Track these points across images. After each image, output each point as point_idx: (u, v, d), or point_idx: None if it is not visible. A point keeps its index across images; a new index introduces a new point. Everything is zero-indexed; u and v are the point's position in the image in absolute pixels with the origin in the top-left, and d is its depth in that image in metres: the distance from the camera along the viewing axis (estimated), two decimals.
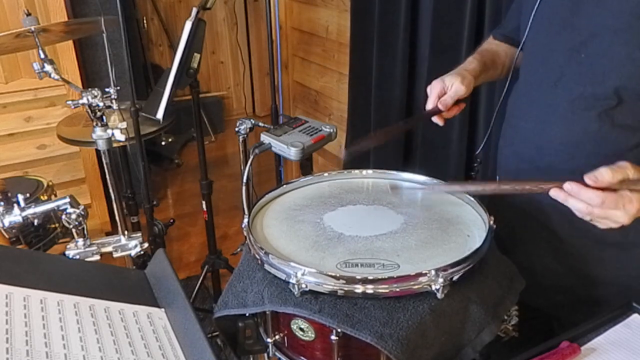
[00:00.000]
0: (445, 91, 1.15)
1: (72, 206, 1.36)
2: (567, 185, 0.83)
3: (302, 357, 0.98)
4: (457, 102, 1.17)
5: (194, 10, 1.69)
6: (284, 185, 1.23)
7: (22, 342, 0.67)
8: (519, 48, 1.19)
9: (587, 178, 0.81)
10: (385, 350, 0.83)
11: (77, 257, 1.37)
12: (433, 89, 1.16)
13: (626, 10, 0.93)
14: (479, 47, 1.33)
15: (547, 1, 1.07)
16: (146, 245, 1.49)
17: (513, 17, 1.25)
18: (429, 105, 1.16)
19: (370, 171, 1.28)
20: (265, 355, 1.06)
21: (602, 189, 0.81)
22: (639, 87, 0.95)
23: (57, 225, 1.65)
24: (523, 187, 0.91)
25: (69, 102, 1.44)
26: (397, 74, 2.29)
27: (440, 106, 1.15)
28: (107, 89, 1.49)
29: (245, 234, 1.05)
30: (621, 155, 0.99)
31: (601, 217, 0.83)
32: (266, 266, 0.96)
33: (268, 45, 2.27)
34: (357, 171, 1.28)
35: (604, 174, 0.80)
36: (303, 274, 0.90)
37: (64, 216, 1.35)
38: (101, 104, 1.44)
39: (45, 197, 1.75)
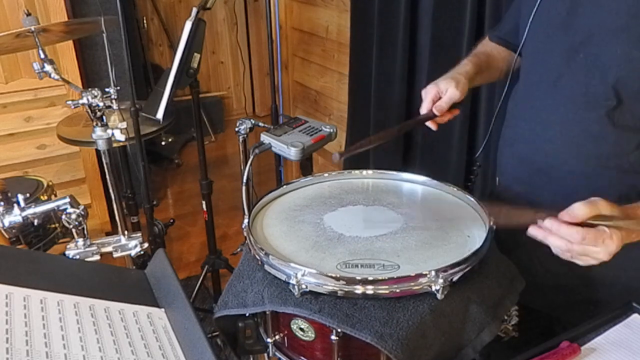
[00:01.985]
0: (440, 96, 1.16)
1: (72, 206, 1.35)
2: (547, 223, 0.82)
3: (302, 357, 0.98)
4: (451, 107, 1.17)
5: (194, 10, 1.69)
6: (284, 186, 1.23)
7: (22, 342, 0.67)
8: (517, 52, 1.19)
9: (563, 215, 0.81)
10: (385, 350, 0.83)
11: (77, 257, 1.37)
12: (428, 94, 1.16)
13: (624, 10, 0.93)
14: (473, 49, 1.33)
15: (545, 2, 1.07)
16: (146, 245, 1.49)
17: (510, 20, 1.25)
18: (424, 110, 1.17)
19: (370, 171, 1.28)
20: (265, 355, 1.06)
21: (581, 225, 0.81)
22: (638, 87, 0.95)
23: (57, 225, 1.65)
24: (498, 221, 0.91)
25: (69, 102, 1.44)
26: (397, 74, 2.29)
27: (435, 111, 1.15)
28: (107, 89, 1.48)
29: (245, 234, 1.05)
30: (622, 157, 1.00)
31: (580, 253, 0.83)
32: (266, 267, 0.96)
33: (268, 45, 2.27)
34: (357, 171, 1.28)
35: (579, 210, 0.80)
36: (303, 275, 0.90)
37: (64, 216, 1.35)
38: (101, 104, 1.44)
39: (45, 197, 1.75)
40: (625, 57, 0.94)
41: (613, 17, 0.95)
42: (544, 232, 0.84)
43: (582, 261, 0.85)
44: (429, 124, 1.19)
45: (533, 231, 0.85)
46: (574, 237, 0.81)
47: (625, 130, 0.99)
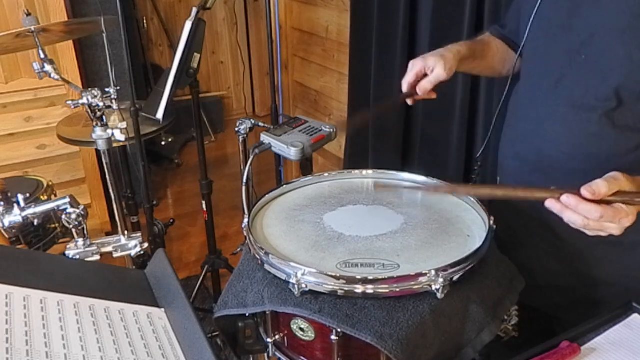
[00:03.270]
0: (425, 72, 1.12)
1: (72, 206, 1.35)
2: (565, 198, 0.81)
3: (302, 357, 0.98)
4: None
5: (194, 10, 1.69)
6: (284, 186, 1.23)
7: (22, 342, 0.67)
8: (518, 53, 1.19)
9: (585, 191, 0.80)
10: (385, 350, 0.83)
11: (77, 257, 1.37)
12: (414, 67, 1.13)
13: (625, 10, 0.93)
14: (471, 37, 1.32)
15: (546, 2, 1.07)
16: (146, 245, 1.49)
17: (512, 19, 1.25)
18: (405, 82, 1.13)
19: (370, 171, 1.28)
20: (265, 355, 1.06)
21: (599, 202, 0.80)
22: (639, 88, 0.95)
23: (57, 225, 1.65)
24: (517, 194, 0.89)
25: (69, 102, 1.44)
26: (396, 74, 2.29)
27: (418, 90, 1.12)
28: (107, 89, 1.48)
29: (245, 234, 1.05)
30: (622, 157, 1.00)
31: (596, 229, 0.83)
32: (266, 266, 0.96)
33: (268, 45, 2.27)
34: (357, 171, 1.28)
35: (601, 187, 0.79)
36: (303, 274, 0.90)
37: (64, 216, 1.35)
38: (101, 104, 1.44)
39: (45, 197, 1.75)
40: (627, 59, 0.94)
41: (614, 17, 0.94)
42: (562, 207, 0.82)
43: (592, 233, 0.84)
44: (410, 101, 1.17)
45: (550, 204, 0.83)
46: (592, 214, 0.80)
47: (625, 131, 0.99)
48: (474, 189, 1.08)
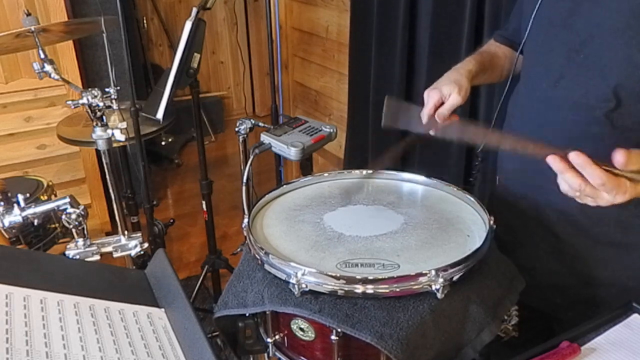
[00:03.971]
0: (442, 101, 1.13)
1: (72, 206, 1.35)
2: (573, 156, 0.79)
3: (302, 357, 0.98)
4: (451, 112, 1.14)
5: (194, 10, 1.69)
6: (284, 185, 1.23)
7: (22, 342, 0.67)
8: (518, 52, 1.19)
9: (618, 154, 0.76)
10: (385, 350, 0.83)
11: (77, 257, 1.37)
12: (430, 99, 1.12)
13: (625, 10, 0.93)
14: (479, 48, 1.33)
15: (547, 1, 1.07)
16: (146, 245, 1.49)
17: (515, 19, 1.25)
18: (425, 115, 1.12)
19: (370, 171, 1.28)
20: (265, 355, 1.06)
21: (605, 169, 0.78)
22: (638, 88, 0.95)
23: (57, 225, 1.65)
24: (520, 146, 0.87)
25: (69, 102, 1.43)
26: (396, 74, 2.29)
27: (437, 119, 1.12)
28: (107, 89, 1.48)
29: (245, 234, 1.05)
30: None
31: (589, 195, 0.81)
32: (266, 266, 0.96)
33: (268, 45, 2.27)
34: (357, 171, 1.28)
35: (620, 157, 0.76)
36: (303, 274, 0.90)
37: (64, 216, 1.35)
38: (101, 104, 1.44)
39: (45, 197, 1.75)
40: (626, 59, 0.94)
41: (614, 17, 0.94)
42: (565, 166, 0.80)
43: (581, 200, 0.83)
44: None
45: (553, 159, 0.81)
46: (594, 179, 0.78)
47: (624, 131, 0.99)
48: (481, 135, 1.05)
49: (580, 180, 0.79)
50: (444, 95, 1.12)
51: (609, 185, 0.78)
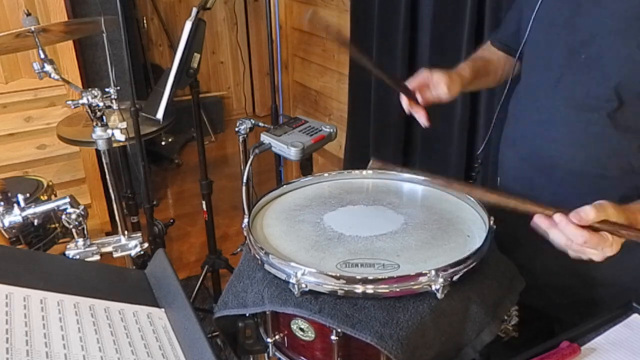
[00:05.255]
0: (428, 84, 1.13)
1: (72, 206, 1.35)
2: (557, 217, 0.83)
3: (302, 357, 0.98)
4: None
5: (194, 10, 1.69)
6: (284, 185, 1.23)
7: (22, 342, 0.67)
8: (516, 57, 1.19)
9: (573, 216, 0.82)
10: (385, 350, 0.83)
11: (77, 257, 1.37)
12: (419, 77, 1.14)
13: (627, 10, 0.93)
14: (473, 53, 1.33)
15: (547, 1, 1.07)
16: (146, 245, 1.49)
17: (511, 22, 1.25)
18: (410, 83, 1.14)
19: (370, 171, 1.28)
20: (265, 355, 1.06)
21: (587, 227, 0.81)
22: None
23: (57, 225, 1.65)
24: (508, 203, 0.90)
25: (69, 102, 1.44)
26: (396, 74, 2.29)
27: (419, 99, 1.13)
28: (107, 89, 1.48)
29: (245, 234, 1.05)
30: (623, 158, 0.99)
31: (578, 251, 0.84)
32: (266, 266, 0.96)
33: (268, 45, 2.27)
34: (357, 171, 1.28)
35: (589, 213, 0.80)
36: (303, 274, 0.90)
37: (64, 216, 1.35)
38: (101, 104, 1.44)
39: (45, 197, 1.75)
40: (627, 59, 0.94)
41: (616, 17, 0.94)
42: (549, 225, 0.84)
43: (574, 256, 0.86)
44: (403, 99, 1.16)
45: (539, 220, 0.85)
46: (577, 238, 0.81)
47: (626, 132, 0.98)
48: (467, 187, 1.08)
49: (564, 238, 0.83)
50: (433, 82, 1.13)
51: (591, 243, 0.81)
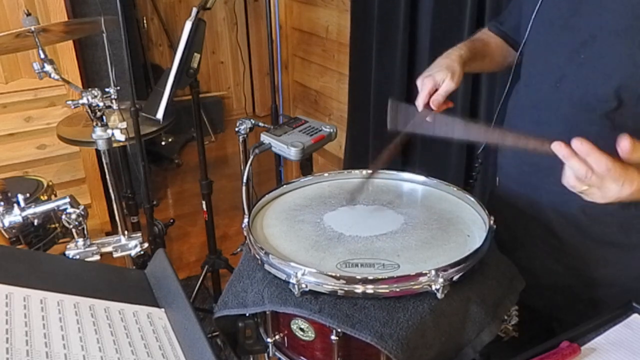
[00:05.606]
0: (436, 88, 1.13)
1: (72, 206, 1.35)
2: (576, 143, 0.77)
3: (302, 357, 0.98)
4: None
5: (194, 10, 1.69)
6: (284, 185, 1.23)
7: (22, 342, 0.67)
8: (519, 51, 1.19)
9: (623, 140, 0.75)
10: (385, 350, 0.83)
11: (77, 257, 1.37)
12: (425, 86, 1.13)
13: (627, 11, 0.93)
14: (472, 36, 1.32)
15: (548, 1, 1.07)
16: (146, 245, 1.49)
17: (512, 16, 1.25)
18: (420, 102, 1.13)
19: (370, 171, 1.28)
20: (265, 355, 1.06)
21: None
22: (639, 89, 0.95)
23: (57, 225, 1.65)
24: (521, 142, 0.86)
25: (69, 102, 1.44)
26: (397, 74, 2.29)
27: (432, 105, 1.13)
28: (107, 89, 1.48)
29: (245, 234, 1.05)
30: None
31: (596, 185, 0.78)
32: (266, 266, 0.96)
33: (268, 45, 2.27)
34: (357, 171, 1.28)
35: (626, 143, 0.74)
36: (303, 274, 0.90)
37: (64, 216, 1.35)
38: (101, 104, 1.44)
39: (45, 197, 1.75)
40: (628, 60, 0.94)
41: (617, 18, 0.94)
42: (570, 152, 0.78)
43: (589, 196, 0.80)
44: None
45: (558, 146, 0.79)
46: (600, 165, 0.76)
47: (625, 132, 0.98)
48: (485, 131, 1.06)
49: (585, 167, 0.77)
50: (437, 82, 1.13)
51: (615, 173, 0.75)
